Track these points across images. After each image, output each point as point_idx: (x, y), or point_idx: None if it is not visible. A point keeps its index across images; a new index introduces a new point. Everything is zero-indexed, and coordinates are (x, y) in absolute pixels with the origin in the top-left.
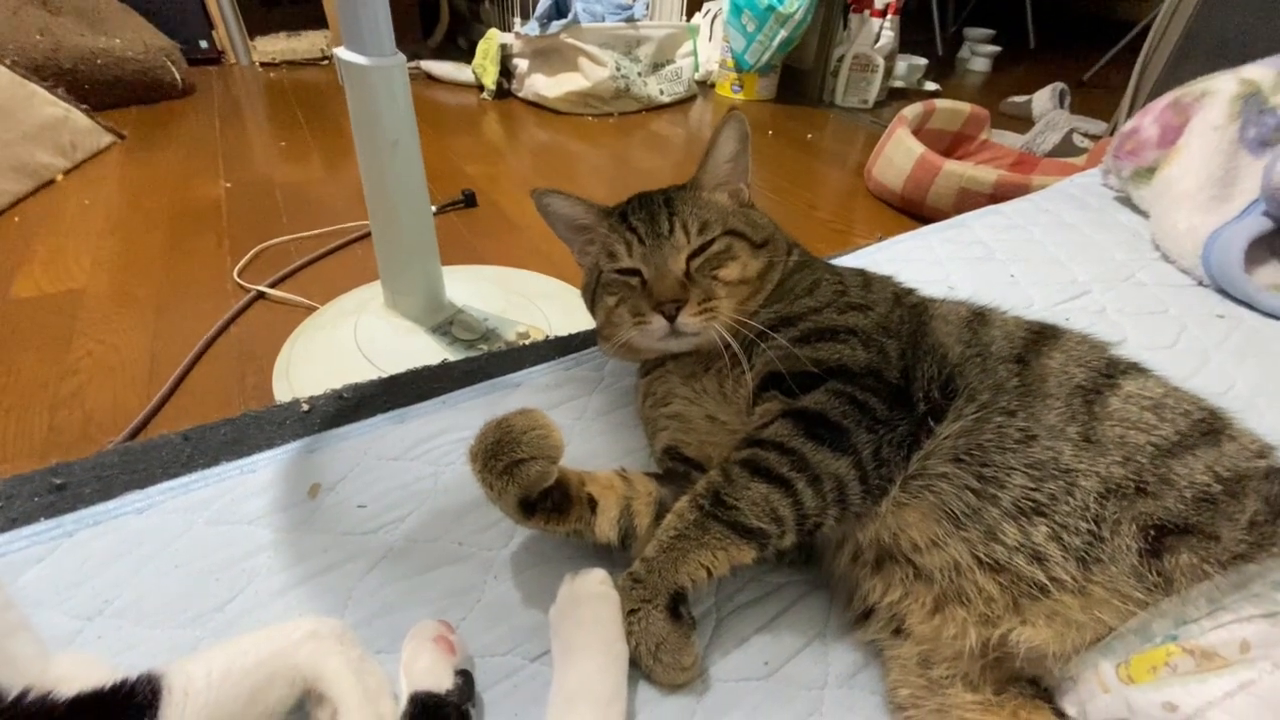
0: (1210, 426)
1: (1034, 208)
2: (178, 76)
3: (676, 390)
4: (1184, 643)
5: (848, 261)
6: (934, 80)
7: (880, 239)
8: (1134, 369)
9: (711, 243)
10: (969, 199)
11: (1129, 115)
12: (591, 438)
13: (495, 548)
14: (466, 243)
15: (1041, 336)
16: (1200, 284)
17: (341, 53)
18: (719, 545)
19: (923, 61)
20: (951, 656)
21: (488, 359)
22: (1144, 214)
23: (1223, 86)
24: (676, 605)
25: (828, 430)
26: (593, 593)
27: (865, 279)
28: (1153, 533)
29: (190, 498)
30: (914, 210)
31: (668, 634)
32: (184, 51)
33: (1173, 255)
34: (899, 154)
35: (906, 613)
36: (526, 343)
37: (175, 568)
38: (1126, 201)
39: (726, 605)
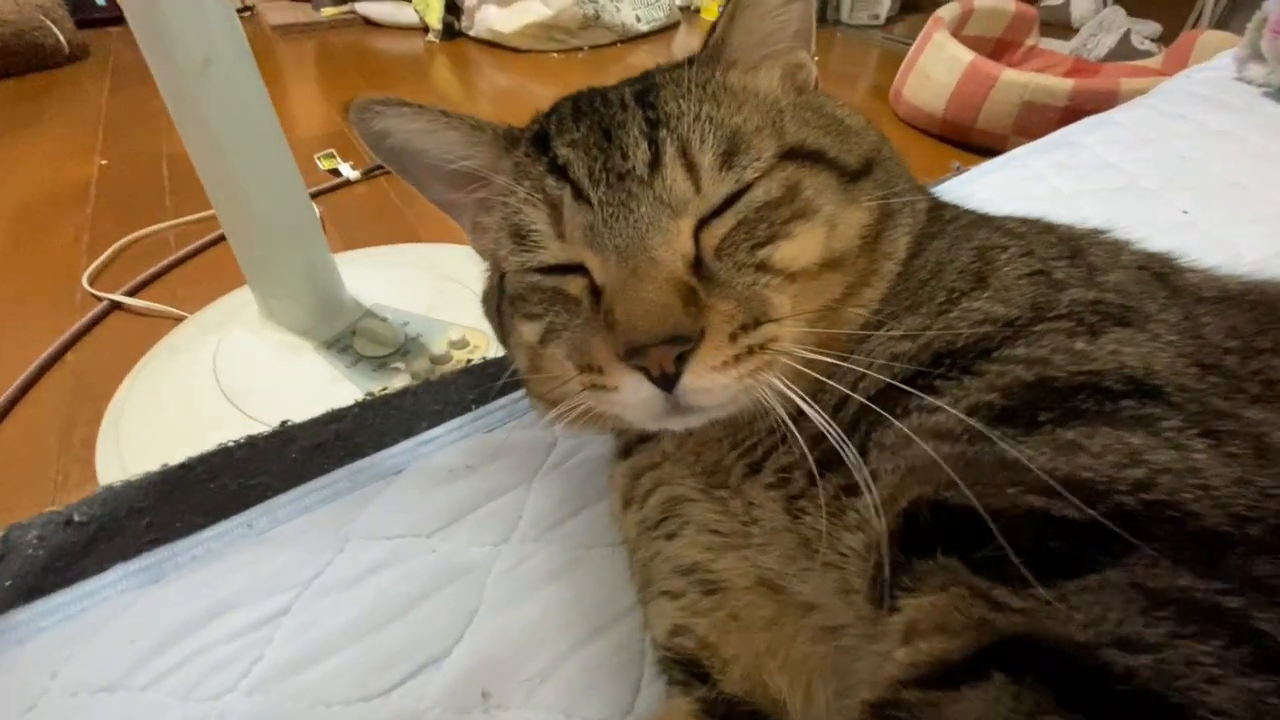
0: None
1: (1159, 115)
2: (61, 39)
3: (688, 508)
4: None
5: None
6: None
7: (958, 170)
8: None
9: (752, 185)
10: (1035, 116)
11: (1223, 4)
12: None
13: None
14: (399, 216)
15: None
16: None
17: None
18: None
19: None
20: None
21: (362, 411)
22: None
23: None
24: None
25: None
26: None
27: (1061, 238)
28: None
29: None
30: (960, 137)
31: None
32: (74, 11)
33: None
34: (939, 65)
35: None
36: (459, 362)
37: None
38: None
39: None
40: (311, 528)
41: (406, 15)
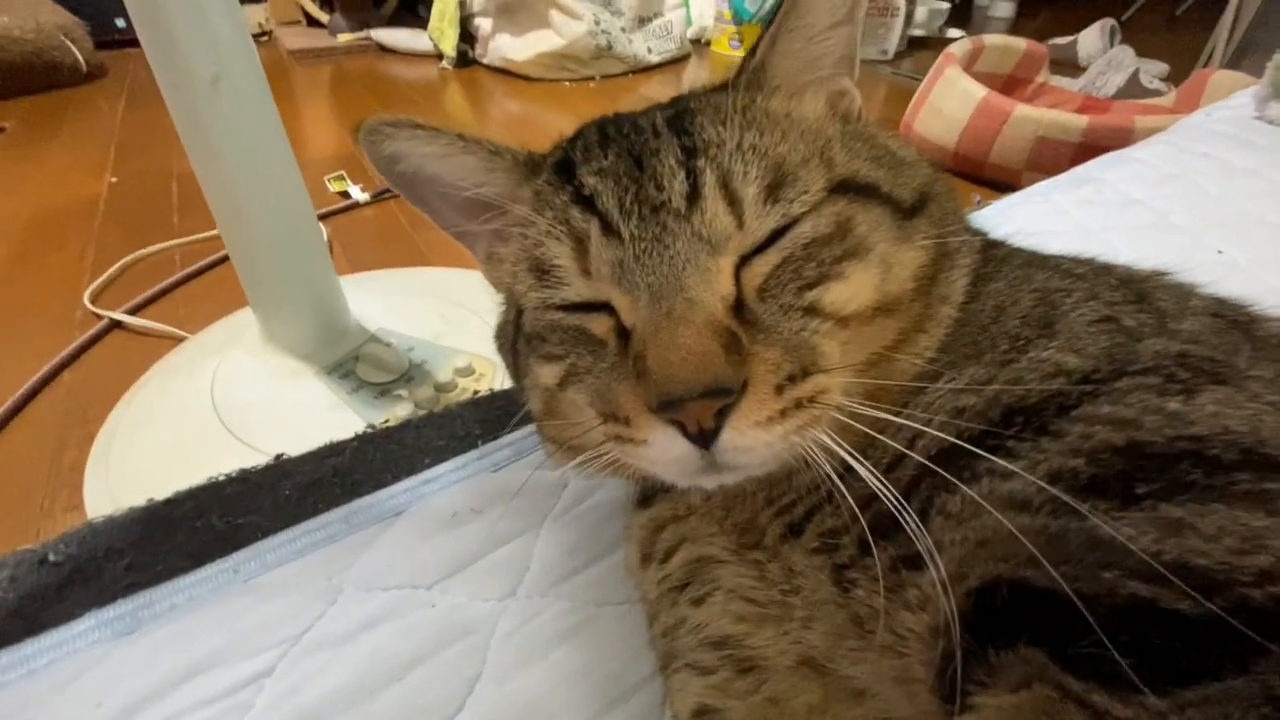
0: None
1: (1181, 152)
2: (80, 59)
3: (717, 570)
4: None
5: None
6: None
7: (979, 204)
8: None
9: (799, 219)
10: (1049, 152)
11: (1234, 44)
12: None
13: None
14: (408, 239)
15: None
16: None
17: None
18: None
19: (945, 4)
20: None
21: (361, 446)
22: None
23: None
24: None
25: None
26: None
27: (1121, 279)
28: None
29: None
30: (972, 171)
31: None
32: (93, 32)
33: None
34: (951, 100)
35: None
36: (465, 390)
37: None
38: None
39: None
40: (302, 575)
41: (421, 43)
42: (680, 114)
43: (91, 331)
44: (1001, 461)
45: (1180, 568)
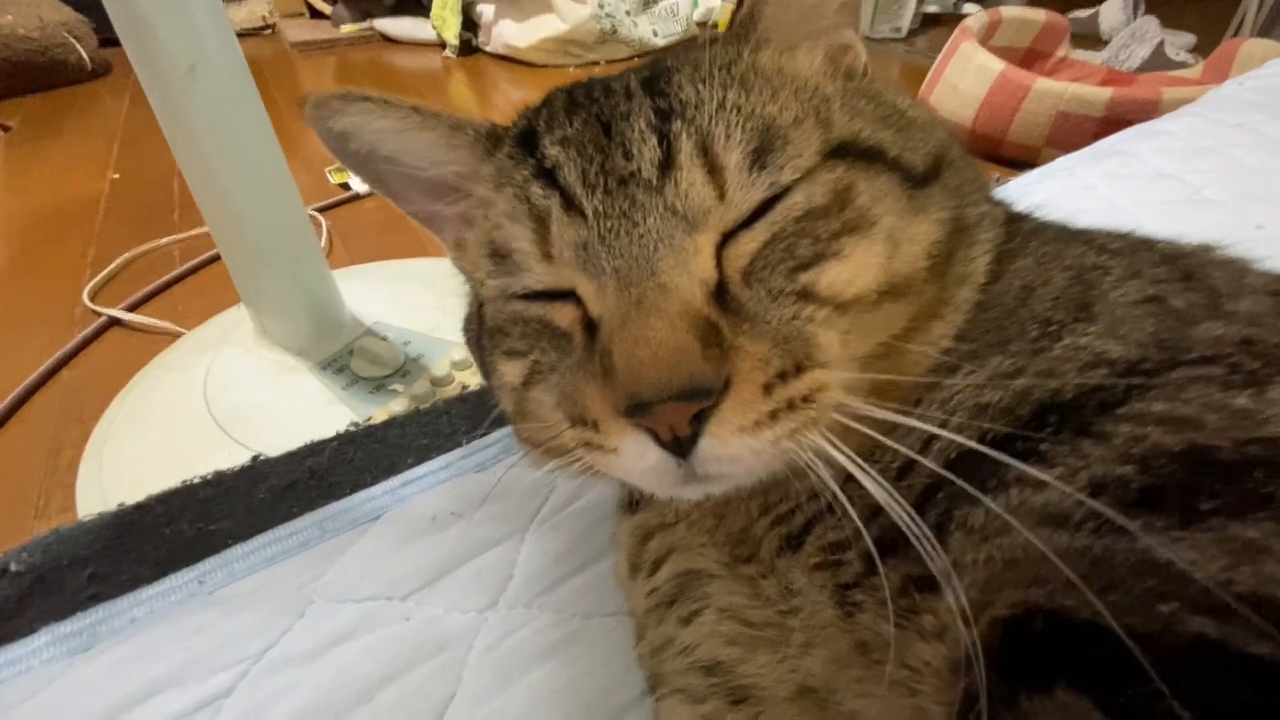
0: None
1: (1213, 124)
2: (84, 56)
3: (708, 585)
4: None
5: None
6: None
7: (998, 181)
8: None
9: (790, 189)
10: (1071, 127)
11: (1265, 12)
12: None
13: None
14: (409, 231)
15: None
16: None
17: None
18: None
19: None
20: None
21: (341, 445)
22: None
23: None
24: None
25: None
26: None
27: (1165, 255)
28: None
29: None
30: (989, 149)
31: None
32: (97, 29)
33: None
34: (967, 75)
35: None
36: (462, 384)
37: None
38: None
39: None
40: (271, 585)
41: (424, 32)
42: (656, 74)
43: (90, 329)
44: (1033, 469)
45: (1257, 601)
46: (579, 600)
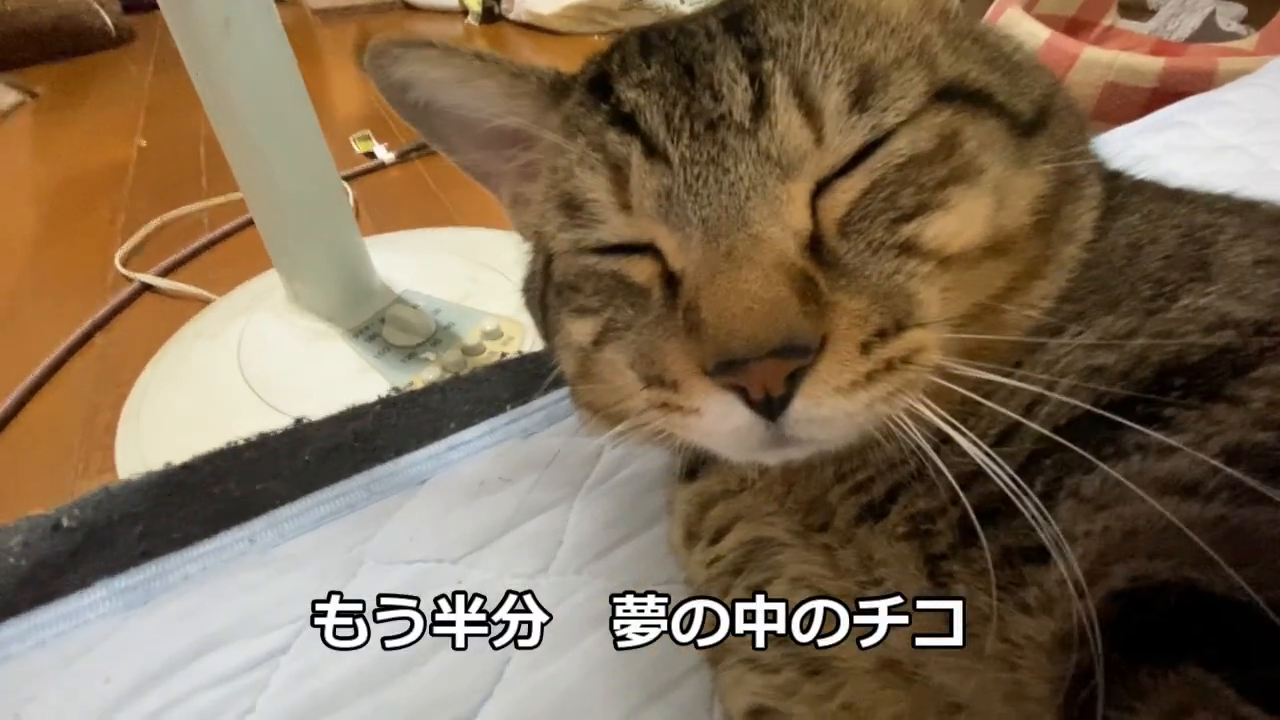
0: None
1: (1275, 95)
2: (108, 22)
3: (779, 554)
4: None
5: None
6: None
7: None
8: None
9: (893, 133)
10: (1120, 99)
11: None
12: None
13: None
14: (434, 200)
15: None
16: None
17: None
18: None
19: None
20: None
21: (384, 409)
22: None
23: None
24: None
25: None
26: None
27: (1270, 217)
28: None
29: None
30: None
31: None
32: None
33: None
34: None
35: None
36: (493, 354)
37: None
38: None
39: None
40: (321, 546)
41: None
42: (739, 13)
43: (123, 294)
44: (1157, 434)
45: None
46: (630, 568)
